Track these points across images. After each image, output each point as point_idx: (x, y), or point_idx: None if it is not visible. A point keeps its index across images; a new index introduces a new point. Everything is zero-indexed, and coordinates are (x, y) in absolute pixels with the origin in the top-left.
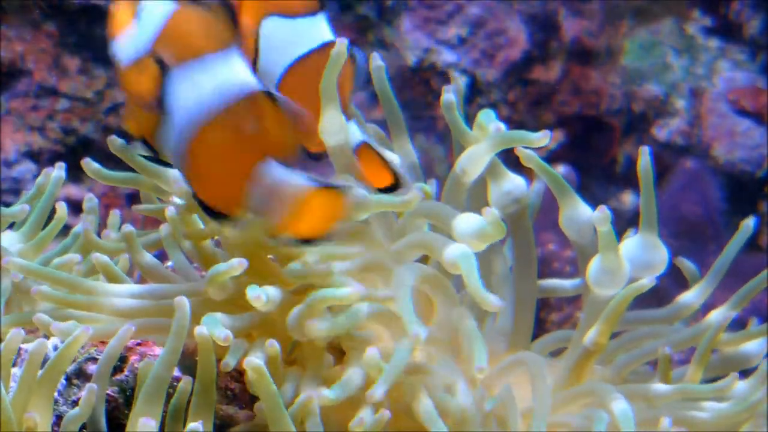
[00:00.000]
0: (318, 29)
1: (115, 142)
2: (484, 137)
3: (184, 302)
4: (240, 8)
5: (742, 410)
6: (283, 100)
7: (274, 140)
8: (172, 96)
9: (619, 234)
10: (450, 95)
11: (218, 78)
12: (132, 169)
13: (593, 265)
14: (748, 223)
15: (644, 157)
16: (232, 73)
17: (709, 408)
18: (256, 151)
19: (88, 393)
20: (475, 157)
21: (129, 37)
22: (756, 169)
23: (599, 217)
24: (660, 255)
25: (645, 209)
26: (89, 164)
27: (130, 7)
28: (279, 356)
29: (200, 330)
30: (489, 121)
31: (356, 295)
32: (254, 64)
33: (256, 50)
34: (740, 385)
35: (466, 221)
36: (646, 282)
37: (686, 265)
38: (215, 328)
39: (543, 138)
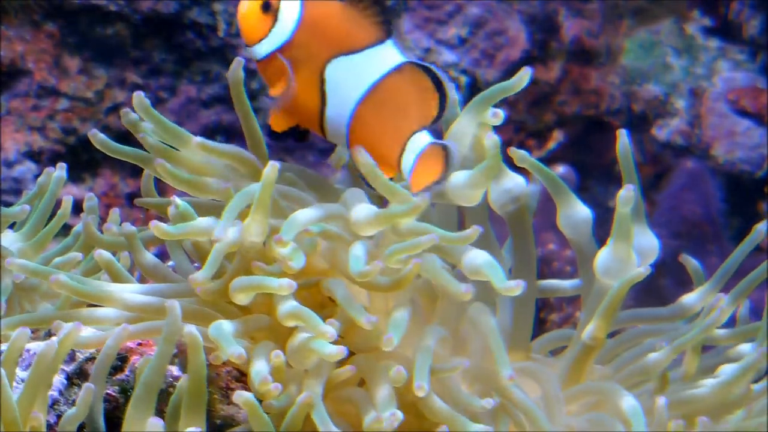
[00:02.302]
0: (387, 54)
1: (128, 114)
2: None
3: (175, 306)
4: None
5: (741, 375)
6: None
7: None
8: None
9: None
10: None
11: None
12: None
13: (603, 253)
14: (760, 227)
15: (622, 139)
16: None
17: (707, 383)
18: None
19: (85, 392)
20: (460, 130)
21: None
22: (756, 169)
23: (625, 195)
24: (650, 241)
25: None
26: (96, 135)
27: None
28: (284, 366)
29: (189, 329)
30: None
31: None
32: (322, 111)
33: (323, 95)
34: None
35: (456, 176)
36: (642, 270)
37: (690, 262)
38: (229, 344)
39: (518, 82)
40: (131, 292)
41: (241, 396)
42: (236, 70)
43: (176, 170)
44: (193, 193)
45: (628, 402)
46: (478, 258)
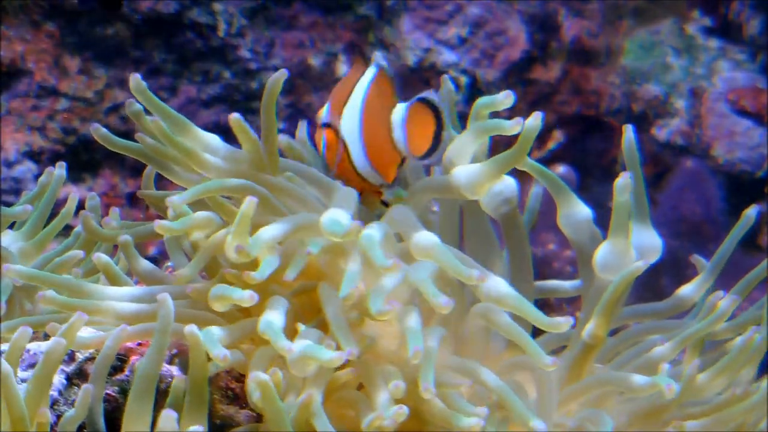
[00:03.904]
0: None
1: (133, 105)
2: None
3: (166, 299)
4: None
5: (738, 356)
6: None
7: None
8: None
9: None
10: (451, 89)
11: None
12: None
13: (602, 249)
14: (750, 213)
15: (628, 134)
16: None
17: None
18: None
19: (83, 393)
20: (460, 147)
21: None
22: (756, 169)
23: (622, 183)
24: (652, 240)
25: (634, 192)
26: (98, 130)
27: None
28: (281, 381)
29: (190, 329)
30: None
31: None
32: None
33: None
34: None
35: (464, 170)
36: (641, 264)
37: (701, 263)
38: (214, 347)
39: (515, 126)
40: (124, 300)
41: (256, 376)
42: (277, 79)
43: (173, 134)
44: (185, 164)
45: (639, 377)
46: (500, 286)
